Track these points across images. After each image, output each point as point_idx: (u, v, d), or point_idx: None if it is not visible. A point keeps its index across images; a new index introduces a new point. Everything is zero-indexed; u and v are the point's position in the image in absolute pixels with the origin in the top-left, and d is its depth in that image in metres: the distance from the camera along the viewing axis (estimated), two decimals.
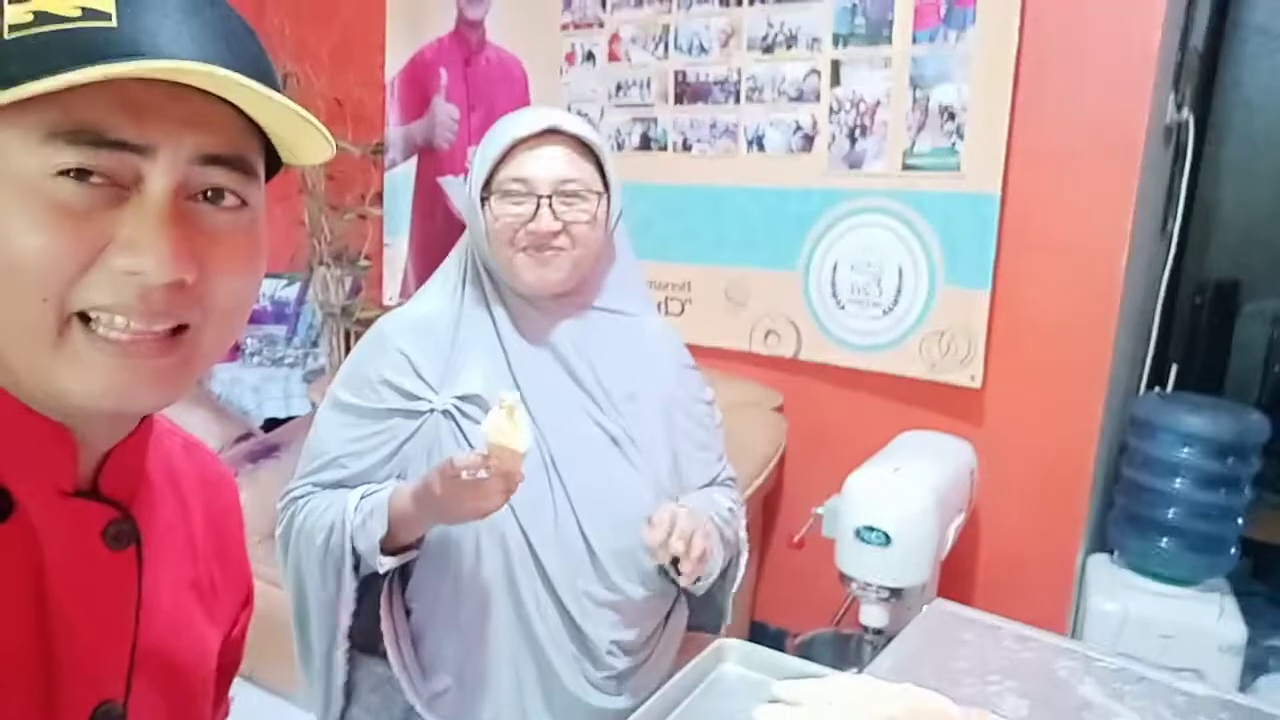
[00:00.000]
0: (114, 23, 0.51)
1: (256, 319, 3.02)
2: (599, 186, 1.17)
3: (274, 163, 0.63)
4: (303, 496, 1.19)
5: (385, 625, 1.19)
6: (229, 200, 0.57)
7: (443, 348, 1.21)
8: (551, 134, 1.15)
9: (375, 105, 2.76)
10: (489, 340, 1.21)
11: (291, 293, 2.96)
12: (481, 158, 1.18)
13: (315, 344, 2.93)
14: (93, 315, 0.53)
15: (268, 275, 2.90)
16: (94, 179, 0.52)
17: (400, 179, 2.80)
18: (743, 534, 1.33)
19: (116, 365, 0.54)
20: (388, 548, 1.12)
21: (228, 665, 0.76)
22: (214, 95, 0.55)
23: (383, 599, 1.20)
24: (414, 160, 2.78)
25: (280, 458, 2.34)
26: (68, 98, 0.50)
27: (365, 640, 1.22)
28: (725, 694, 0.94)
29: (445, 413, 1.18)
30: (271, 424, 2.76)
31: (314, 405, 2.55)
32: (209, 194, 0.56)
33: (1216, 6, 2.34)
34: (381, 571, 1.13)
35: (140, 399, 0.56)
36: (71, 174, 0.51)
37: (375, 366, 1.17)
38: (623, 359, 1.26)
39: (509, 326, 1.22)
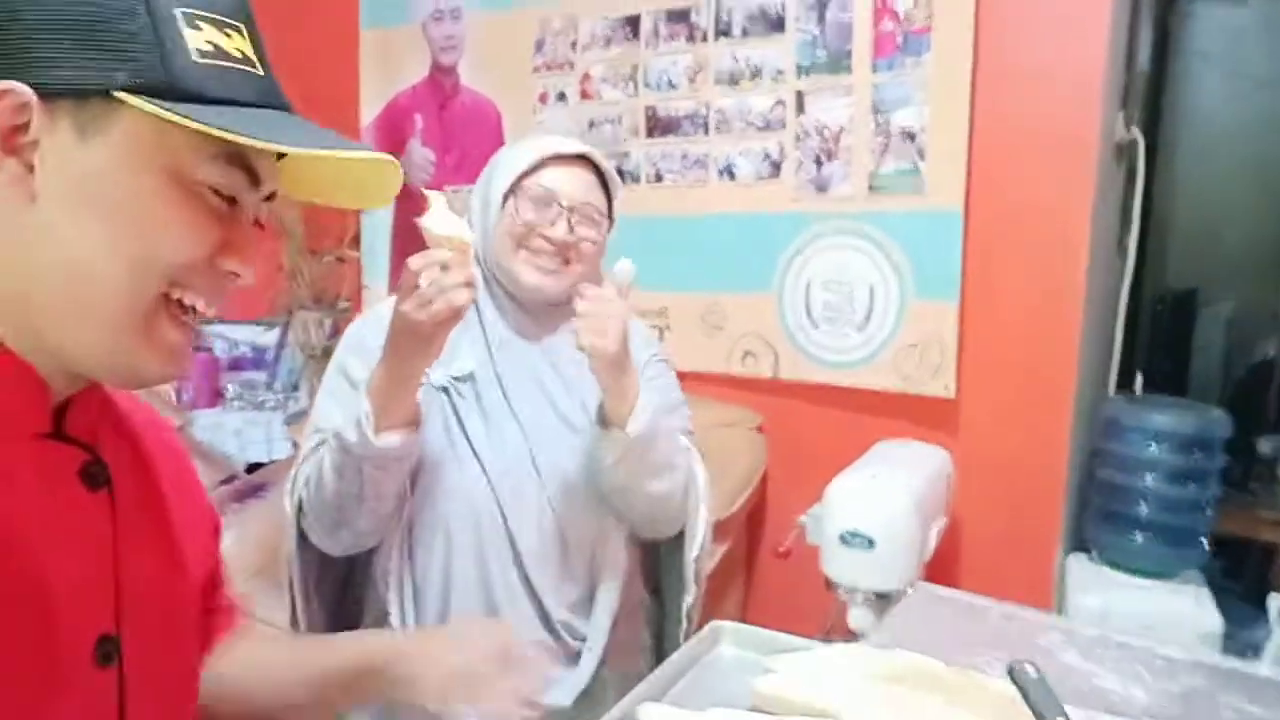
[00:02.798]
0: (261, 72, 0.62)
1: (236, 365, 3.04)
2: (608, 215, 1.27)
3: None
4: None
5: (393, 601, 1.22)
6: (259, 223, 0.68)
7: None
8: (582, 159, 1.25)
9: None
10: (475, 331, 1.26)
11: (271, 338, 2.98)
12: (510, 162, 1.24)
13: (296, 387, 2.95)
14: (176, 296, 0.61)
15: (246, 322, 2.93)
16: (225, 194, 0.62)
17: (378, 221, 2.85)
18: (700, 486, 1.29)
19: (182, 345, 0.63)
20: (395, 424, 1.10)
21: (214, 581, 0.83)
22: None
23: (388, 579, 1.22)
24: (390, 204, 2.83)
25: (266, 497, 2.34)
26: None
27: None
28: (722, 673, 0.97)
29: (442, 389, 1.23)
30: (253, 468, 2.76)
31: (295, 446, 2.56)
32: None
33: (1158, 30, 2.46)
34: (379, 445, 1.09)
35: (184, 372, 0.65)
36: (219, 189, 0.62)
37: (375, 335, 1.18)
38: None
39: (493, 318, 1.27)
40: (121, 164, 0.58)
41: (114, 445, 0.69)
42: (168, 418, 0.83)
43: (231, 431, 2.84)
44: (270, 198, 0.66)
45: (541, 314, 1.28)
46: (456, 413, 1.23)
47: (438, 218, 1.04)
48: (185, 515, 0.76)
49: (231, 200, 0.63)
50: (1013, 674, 0.75)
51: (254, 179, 0.63)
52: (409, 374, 1.09)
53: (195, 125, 0.56)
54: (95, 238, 0.58)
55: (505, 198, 1.22)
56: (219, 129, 0.56)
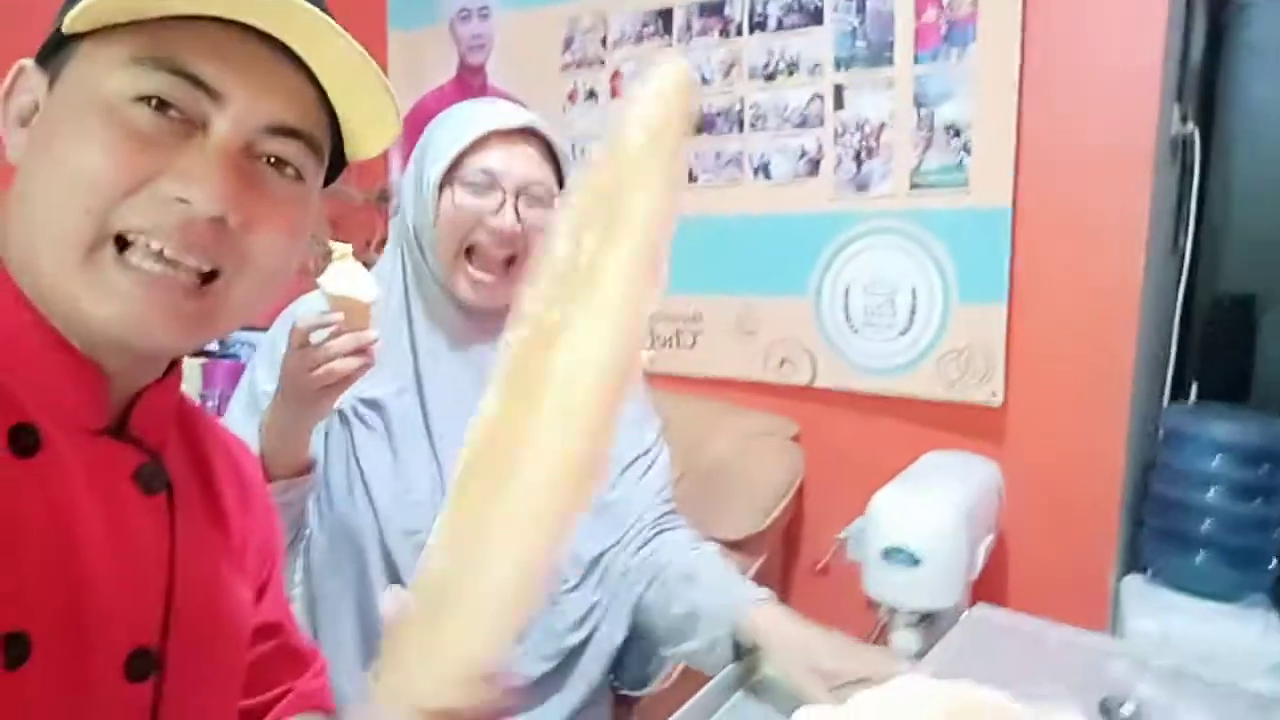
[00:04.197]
0: None
1: None
2: (558, 194, 1.13)
3: (334, 168, 0.66)
4: None
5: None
6: (289, 170, 0.59)
7: None
8: (526, 133, 1.12)
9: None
10: (401, 340, 1.14)
11: None
12: (446, 141, 1.10)
13: None
14: (130, 239, 0.54)
15: (271, 328, 2.90)
16: (170, 112, 0.54)
17: None
18: None
19: (138, 296, 0.54)
20: (282, 471, 1.02)
21: (276, 624, 0.75)
22: (299, 70, 0.57)
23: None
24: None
25: None
26: (163, 30, 0.53)
27: None
28: (766, 698, 0.89)
29: (341, 414, 1.11)
30: None
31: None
32: (272, 160, 0.58)
33: (1212, 24, 2.35)
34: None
35: (155, 336, 0.55)
36: (151, 103, 0.54)
37: (283, 347, 1.11)
38: None
39: (425, 327, 1.15)
40: (63, 104, 0.54)
41: (181, 453, 0.64)
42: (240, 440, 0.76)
43: (250, 437, 2.79)
44: (290, 134, 0.57)
45: (482, 319, 1.15)
46: (354, 444, 1.11)
47: (334, 275, 0.95)
48: (246, 536, 0.71)
49: (186, 122, 0.55)
50: (1106, 711, 0.67)
51: (209, 92, 0.55)
52: (296, 426, 1.00)
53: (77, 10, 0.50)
54: (36, 182, 0.54)
55: (441, 188, 1.10)
56: None
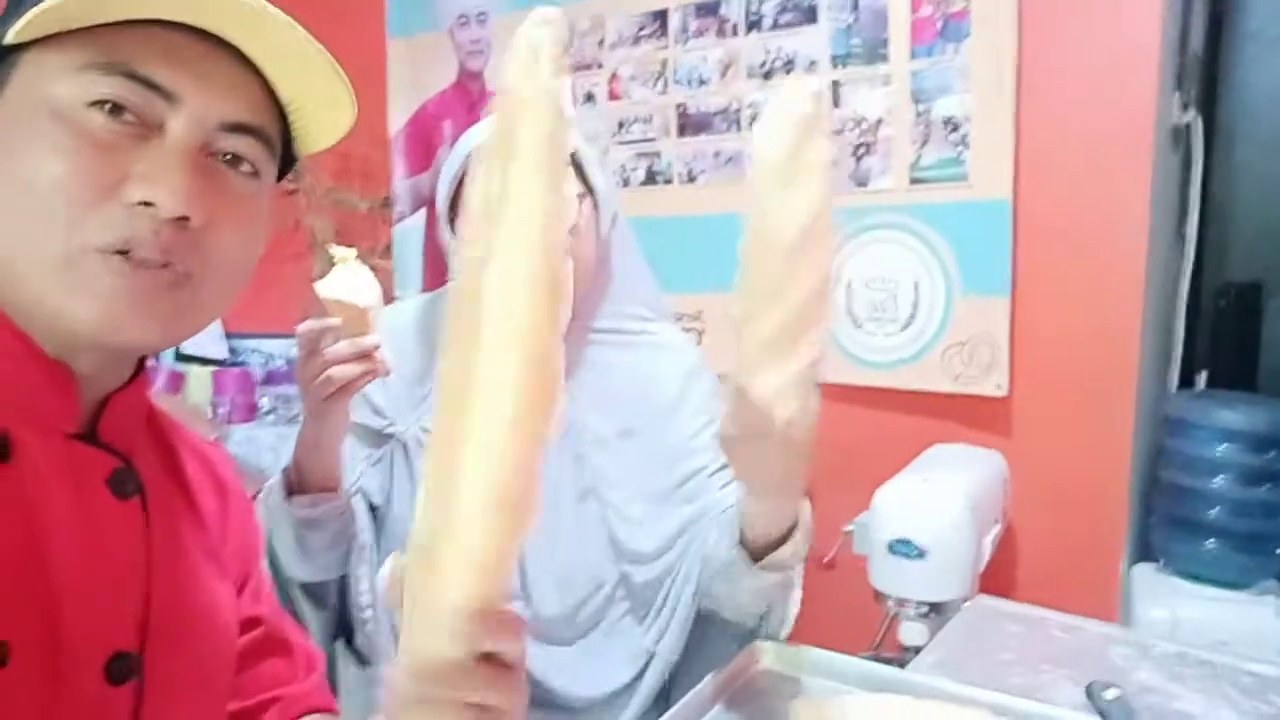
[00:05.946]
0: None
1: (271, 379, 3.02)
2: (579, 188, 1.06)
3: (285, 165, 0.66)
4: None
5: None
6: (245, 167, 0.60)
7: (425, 362, 1.14)
8: None
9: (380, 160, 2.79)
10: None
11: None
12: (442, 178, 1.09)
13: None
14: (102, 248, 0.54)
15: (281, 335, 2.89)
16: (125, 116, 0.55)
17: (409, 232, 2.82)
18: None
19: (118, 292, 0.54)
20: (311, 484, 1.02)
21: (256, 617, 0.75)
22: (247, 66, 0.58)
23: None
24: (422, 213, 2.80)
25: None
26: (110, 35, 0.54)
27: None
28: (761, 693, 0.89)
29: (404, 445, 1.11)
30: None
31: None
32: (227, 157, 0.59)
33: (1212, 10, 2.34)
34: (292, 510, 1.02)
35: (133, 331, 0.56)
36: (106, 107, 0.54)
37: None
38: (621, 389, 1.17)
39: None
40: (14, 114, 0.55)
41: (152, 457, 0.65)
42: (216, 442, 0.77)
43: (267, 446, 2.81)
44: (245, 130, 0.58)
45: None
46: (413, 473, 1.10)
47: (333, 280, 0.94)
48: (225, 535, 0.71)
49: (141, 125, 0.55)
50: (1091, 696, 0.67)
51: (163, 94, 0.55)
52: (320, 437, 0.99)
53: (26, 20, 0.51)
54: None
55: (452, 225, 1.08)
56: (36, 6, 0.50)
